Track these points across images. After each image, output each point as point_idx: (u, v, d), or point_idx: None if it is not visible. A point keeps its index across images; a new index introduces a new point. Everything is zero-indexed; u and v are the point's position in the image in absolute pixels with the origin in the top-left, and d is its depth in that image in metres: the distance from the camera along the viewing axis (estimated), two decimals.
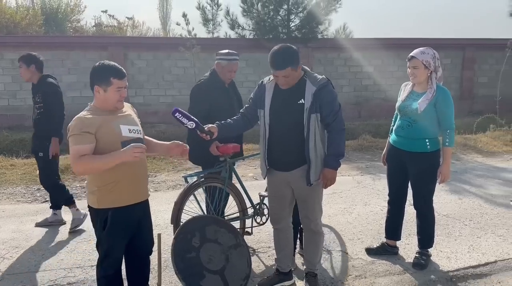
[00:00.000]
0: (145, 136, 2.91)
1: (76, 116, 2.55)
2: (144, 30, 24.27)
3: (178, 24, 10.29)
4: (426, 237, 3.65)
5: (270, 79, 3.09)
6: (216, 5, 12.79)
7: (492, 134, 9.00)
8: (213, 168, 3.74)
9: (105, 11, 20.20)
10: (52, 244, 4.12)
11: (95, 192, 2.61)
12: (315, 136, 2.93)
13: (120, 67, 2.61)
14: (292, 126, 2.96)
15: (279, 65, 2.85)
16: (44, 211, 5.08)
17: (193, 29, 10.26)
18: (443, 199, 5.29)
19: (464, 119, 11.70)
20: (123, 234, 2.71)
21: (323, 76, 2.99)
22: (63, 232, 4.41)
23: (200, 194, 3.71)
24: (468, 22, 42.26)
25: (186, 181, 3.65)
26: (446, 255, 3.78)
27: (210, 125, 3.05)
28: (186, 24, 10.08)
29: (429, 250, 3.68)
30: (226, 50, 3.93)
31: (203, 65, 11.55)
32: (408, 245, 3.97)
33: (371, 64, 13.11)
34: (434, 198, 5.27)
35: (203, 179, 3.64)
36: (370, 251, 3.85)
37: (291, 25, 12.79)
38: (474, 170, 6.77)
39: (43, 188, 5.92)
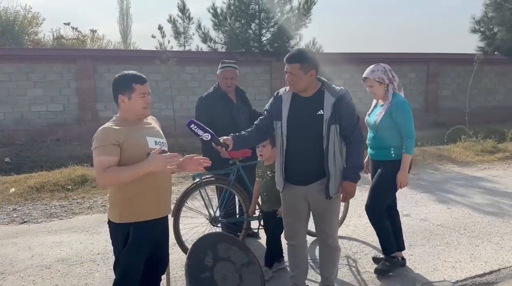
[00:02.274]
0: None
1: (101, 127, 2.45)
2: (105, 43, 23.79)
3: (153, 36, 9.99)
4: (383, 242, 3.65)
5: (287, 91, 3.04)
6: (187, 19, 12.68)
7: (463, 145, 9.31)
8: (222, 170, 3.99)
9: (68, 24, 19.61)
10: (42, 268, 3.83)
11: (117, 205, 2.48)
12: (335, 147, 2.89)
13: (140, 73, 2.56)
14: (311, 138, 2.91)
15: (288, 58, 2.89)
16: (25, 232, 4.76)
17: (169, 42, 10.08)
18: (433, 209, 5.38)
19: (431, 131, 12.13)
20: (143, 251, 2.56)
21: (342, 87, 2.97)
22: (51, 255, 4.12)
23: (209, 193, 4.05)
24: (432, 37, 44.43)
25: (193, 179, 3.95)
26: (451, 264, 3.81)
27: (225, 137, 2.98)
28: (162, 37, 9.88)
29: (394, 254, 3.67)
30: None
31: (176, 79, 11.39)
32: (412, 256, 3.98)
33: (341, 78, 13.36)
34: (424, 208, 5.41)
35: (206, 179, 3.91)
36: (376, 260, 3.84)
37: (262, 39, 12.88)
38: (453, 179, 6.96)
39: (19, 208, 5.61)
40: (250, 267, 3.23)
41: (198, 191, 3.94)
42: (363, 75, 3.59)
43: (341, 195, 3.00)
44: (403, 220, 4.94)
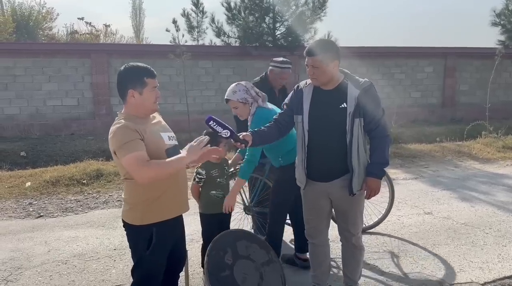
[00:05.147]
0: None
1: (117, 126, 2.26)
2: (118, 39, 23.87)
3: (167, 30, 9.94)
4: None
5: (307, 83, 2.92)
6: (201, 13, 12.57)
7: (483, 141, 9.09)
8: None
9: (82, 19, 19.68)
10: (58, 263, 3.78)
11: (139, 207, 2.36)
12: (358, 142, 2.76)
13: (148, 66, 2.41)
14: (334, 132, 2.78)
15: (310, 51, 2.73)
16: (41, 227, 4.73)
17: (183, 36, 10.00)
18: (455, 207, 5.22)
19: (449, 126, 11.91)
20: (166, 252, 2.48)
21: (366, 79, 2.84)
22: (68, 250, 4.07)
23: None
24: (451, 30, 43.71)
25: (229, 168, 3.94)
26: (478, 265, 3.67)
27: (244, 133, 2.87)
28: (177, 31, 9.81)
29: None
30: (281, 58, 4.28)
31: (189, 73, 11.32)
32: (437, 256, 3.85)
33: (356, 72, 12.97)
34: (446, 206, 5.26)
35: (237, 170, 3.82)
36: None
37: (276, 33, 12.73)
38: (475, 176, 6.78)
39: (35, 202, 5.58)
40: (271, 265, 3.13)
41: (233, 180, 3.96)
42: (225, 97, 3.39)
43: (365, 191, 2.88)
44: (425, 218, 4.83)
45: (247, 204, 4.03)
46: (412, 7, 52.68)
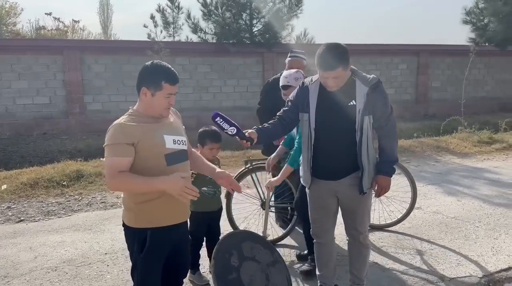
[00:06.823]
0: (193, 150, 2.64)
1: (115, 123, 2.20)
2: (85, 35, 23.21)
3: (145, 26, 9.72)
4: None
5: (313, 81, 2.85)
6: (176, 8, 12.37)
7: (459, 136, 9.32)
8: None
9: (50, 14, 19.03)
10: (48, 270, 3.59)
11: (133, 209, 2.28)
12: (368, 140, 2.73)
13: (174, 71, 2.29)
14: (342, 130, 2.74)
15: (329, 66, 2.60)
16: (23, 232, 4.50)
17: (161, 32, 9.78)
18: (443, 201, 5.31)
19: (423, 122, 12.17)
20: (161, 257, 2.37)
21: (373, 75, 2.81)
22: (56, 256, 3.88)
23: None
24: (423, 25, 44.65)
25: (245, 164, 4.07)
26: (474, 258, 3.72)
27: (250, 131, 2.79)
28: (155, 27, 9.60)
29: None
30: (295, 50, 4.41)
31: None
32: (433, 250, 3.88)
33: None
34: (434, 200, 5.34)
35: (257, 165, 4.02)
36: (300, 258, 3.79)
37: (254, 30, 12.66)
38: (456, 171, 6.92)
39: (14, 206, 5.33)
40: (276, 266, 3.07)
41: (250, 176, 4.05)
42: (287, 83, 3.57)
43: (374, 190, 2.86)
44: (416, 213, 4.88)
45: (263, 200, 4.02)
46: (387, 3, 53.57)
